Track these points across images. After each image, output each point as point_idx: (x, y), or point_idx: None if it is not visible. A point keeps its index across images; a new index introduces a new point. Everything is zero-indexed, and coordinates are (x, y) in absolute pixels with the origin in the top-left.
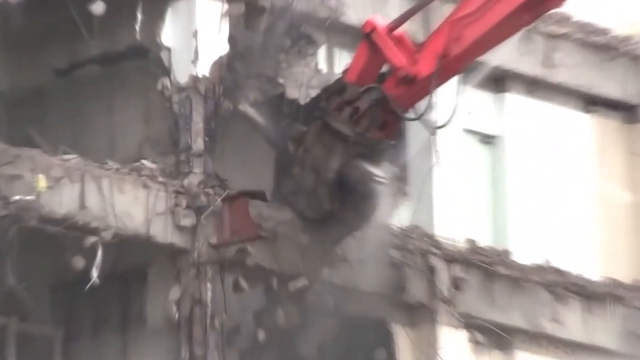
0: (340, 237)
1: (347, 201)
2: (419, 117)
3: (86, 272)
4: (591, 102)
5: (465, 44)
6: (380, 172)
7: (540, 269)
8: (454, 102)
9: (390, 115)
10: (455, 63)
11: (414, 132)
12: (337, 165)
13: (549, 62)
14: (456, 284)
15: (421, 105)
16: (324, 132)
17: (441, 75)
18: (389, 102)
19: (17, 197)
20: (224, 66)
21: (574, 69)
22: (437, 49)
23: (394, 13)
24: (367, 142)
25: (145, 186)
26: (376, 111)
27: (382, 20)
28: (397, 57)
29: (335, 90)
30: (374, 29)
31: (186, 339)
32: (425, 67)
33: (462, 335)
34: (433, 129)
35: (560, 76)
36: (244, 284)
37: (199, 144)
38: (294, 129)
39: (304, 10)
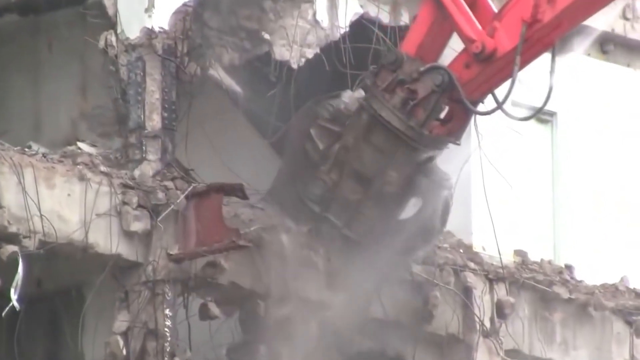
0: (390, 266)
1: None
2: (497, 108)
3: (1, 293)
4: None
5: (562, 5)
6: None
7: (614, 291)
8: (547, 86)
9: (457, 106)
10: (548, 32)
11: None
12: (399, 179)
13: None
14: (501, 311)
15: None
16: (374, 128)
17: (529, 50)
18: (456, 90)
19: None
20: (190, 16)
21: None
22: (524, 13)
23: None
24: (422, 139)
25: (82, 178)
26: (439, 99)
27: None
28: (471, 25)
29: (388, 63)
30: None
31: None
32: (507, 38)
33: None
34: (516, 120)
35: None
36: (215, 309)
37: (154, 121)
38: (317, 111)
39: None
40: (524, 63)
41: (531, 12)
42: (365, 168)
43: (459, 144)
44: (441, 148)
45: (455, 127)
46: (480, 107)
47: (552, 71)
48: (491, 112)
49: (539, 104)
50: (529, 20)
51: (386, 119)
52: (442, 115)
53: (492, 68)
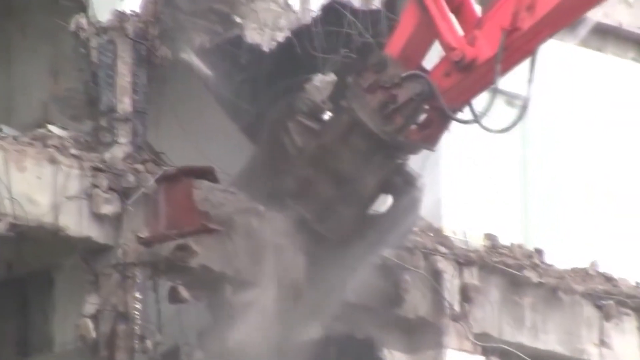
0: (360, 259)
1: (371, 214)
2: (477, 120)
3: None
4: None
5: (541, 12)
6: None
7: (584, 275)
8: (525, 94)
9: (435, 114)
10: (528, 40)
11: None
12: (374, 183)
13: None
14: (471, 296)
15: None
16: (354, 130)
17: (509, 58)
18: (437, 98)
19: None
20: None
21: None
22: (503, 21)
23: None
24: (397, 145)
25: (53, 161)
26: (418, 107)
27: None
28: (452, 33)
29: (371, 64)
30: None
31: None
32: (487, 47)
33: None
34: (494, 133)
35: (618, 16)
36: (184, 293)
37: (125, 104)
38: (296, 105)
39: None
40: (504, 71)
41: (510, 20)
42: (341, 168)
43: (434, 151)
44: (416, 153)
45: (432, 133)
46: (459, 115)
47: (530, 80)
48: (471, 121)
49: (510, 86)
50: (508, 28)
51: (363, 121)
52: (421, 120)
53: (472, 76)
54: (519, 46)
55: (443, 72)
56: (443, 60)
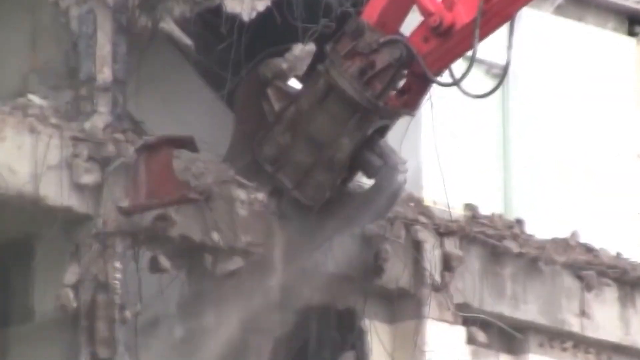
0: (332, 234)
1: (350, 190)
2: (456, 82)
3: None
4: (639, 22)
5: None
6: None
7: (565, 246)
8: (505, 60)
9: (414, 79)
10: (506, 6)
11: None
12: (350, 147)
13: None
14: (451, 266)
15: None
16: (330, 94)
17: (487, 24)
18: (415, 62)
19: None
20: None
21: None
22: None
23: None
24: (377, 111)
25: (33, 130)
26: (397, 72)
27: None
28: None
29: (349, 31)
30: None
31: (87, 336)
32: (465, 12)
33: (459, 333)
34: (473, 97)
35: None
36: (165, 262)
37: (105, 74)
38: (260, 71)
39: None
40: (483, 36)
41: None
42: (318, 132)
43: (414, 116)
44: (396, 119)
45: (411, 99)
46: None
47: (509, 46)
48: (451, 84)
49: (490, 56)
50: None
51: (342, 88)
52: (400, 85)
53: (450, 41)
54: (497, 11)
55: (421, 38)
56: (421, 26)
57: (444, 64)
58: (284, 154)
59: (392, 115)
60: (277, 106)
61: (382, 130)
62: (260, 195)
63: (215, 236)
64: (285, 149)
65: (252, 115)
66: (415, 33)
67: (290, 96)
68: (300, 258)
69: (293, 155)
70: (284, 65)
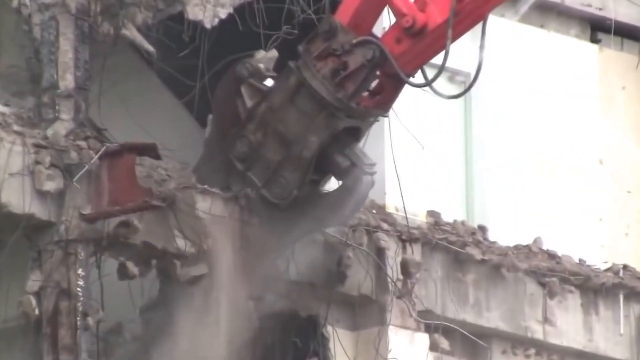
0: (300, 234)
1: (320, 191)
2: (429, 83)
3: None
4: (601, 29)
5: None
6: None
7: (527, 252)
8: (477, 60)
9: (387, 80)
10: (479, 6)
11: None
12: (318, 144)
13: None
14: (407, 271)
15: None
16: (301, 91)
17: (460, 24)
18: (388, 63)
19: None
20: None
21: None
22: None
23: None
24: (350, 112)
25: None
26: (370, 73)
27: None
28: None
29: (322, 32)
30: None
31: (49, 343)
32: (437, 12)
33: (422, 340)
34: (446, 98)
35: None
36: (133, 269)
37: (67, 80)
38: (237, 70)
39: None
40: (456, 37)
41: None
42: (287, 130)
43: (387, 117)
44: (368, 119)
45: (384, 99)
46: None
47: (481, 47)
48: (424, 85)
49: (453, 63)
50: None
51: (315, 89)
52: (372, 86)
53: (423, 42)
54: (469, 11)
55: (394, 39)
56: (393, 27)
57: (417, 64)
58: (255, 152)
59: (364, 116)
60: (249, 103)
61: (357, 134)
62: (224, 201)
63: (179, 242)
64: (256, 147)
65: (229, 114)
66: (388, 34)
67: (263, 93)
68: (266, 262)
69: (263, 153)
70: (261, 66)
